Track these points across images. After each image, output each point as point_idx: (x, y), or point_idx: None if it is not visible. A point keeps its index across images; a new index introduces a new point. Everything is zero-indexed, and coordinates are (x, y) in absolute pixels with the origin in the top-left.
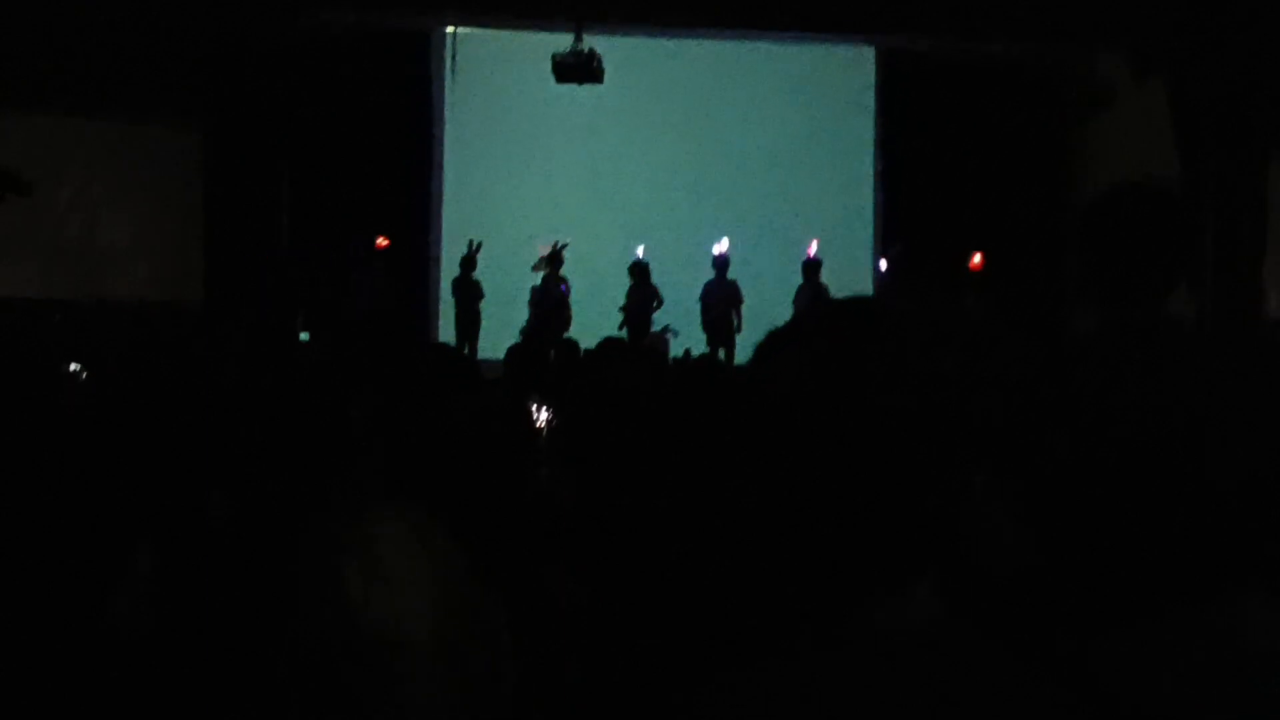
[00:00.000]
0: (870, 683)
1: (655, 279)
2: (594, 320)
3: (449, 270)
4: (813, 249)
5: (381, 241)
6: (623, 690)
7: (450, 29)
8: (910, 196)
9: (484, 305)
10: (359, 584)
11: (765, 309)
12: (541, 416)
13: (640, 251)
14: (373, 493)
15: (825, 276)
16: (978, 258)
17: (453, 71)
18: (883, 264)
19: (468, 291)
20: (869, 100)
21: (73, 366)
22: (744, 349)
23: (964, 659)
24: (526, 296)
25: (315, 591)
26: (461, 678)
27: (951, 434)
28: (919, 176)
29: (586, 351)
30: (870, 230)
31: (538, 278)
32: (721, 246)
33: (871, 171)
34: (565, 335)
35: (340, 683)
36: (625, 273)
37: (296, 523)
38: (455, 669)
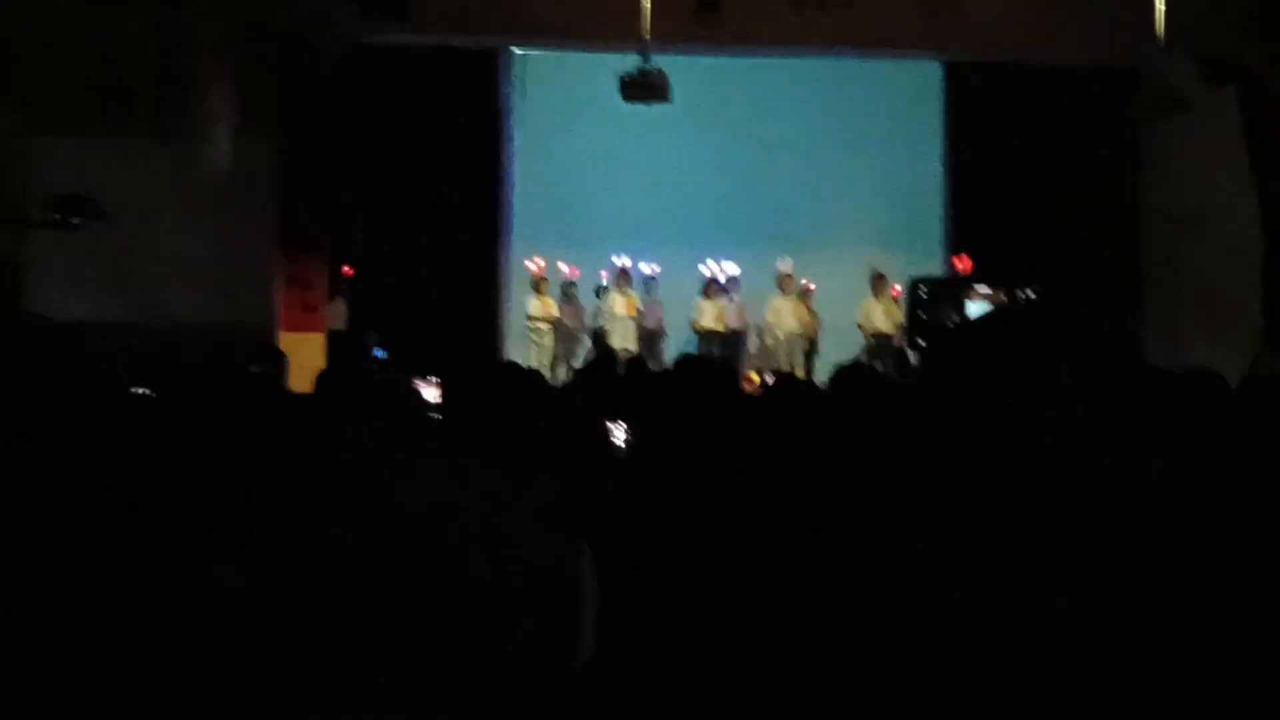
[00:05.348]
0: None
1: None
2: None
3: (519, 290)
4: (880, 266)
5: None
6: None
7: (518, 50)
8: (979, 208)
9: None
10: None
11: (835, 323)
12: (618, 434)
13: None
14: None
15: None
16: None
17: (521, 92)
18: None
19: None
20: (936, 111)
21: (139, 390)
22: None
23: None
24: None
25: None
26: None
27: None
28: (988, 188)
29: (665, 369)
30: (940, 243)
31: (604, 296)
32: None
33: (940, 183)
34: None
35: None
36: (698, 290)
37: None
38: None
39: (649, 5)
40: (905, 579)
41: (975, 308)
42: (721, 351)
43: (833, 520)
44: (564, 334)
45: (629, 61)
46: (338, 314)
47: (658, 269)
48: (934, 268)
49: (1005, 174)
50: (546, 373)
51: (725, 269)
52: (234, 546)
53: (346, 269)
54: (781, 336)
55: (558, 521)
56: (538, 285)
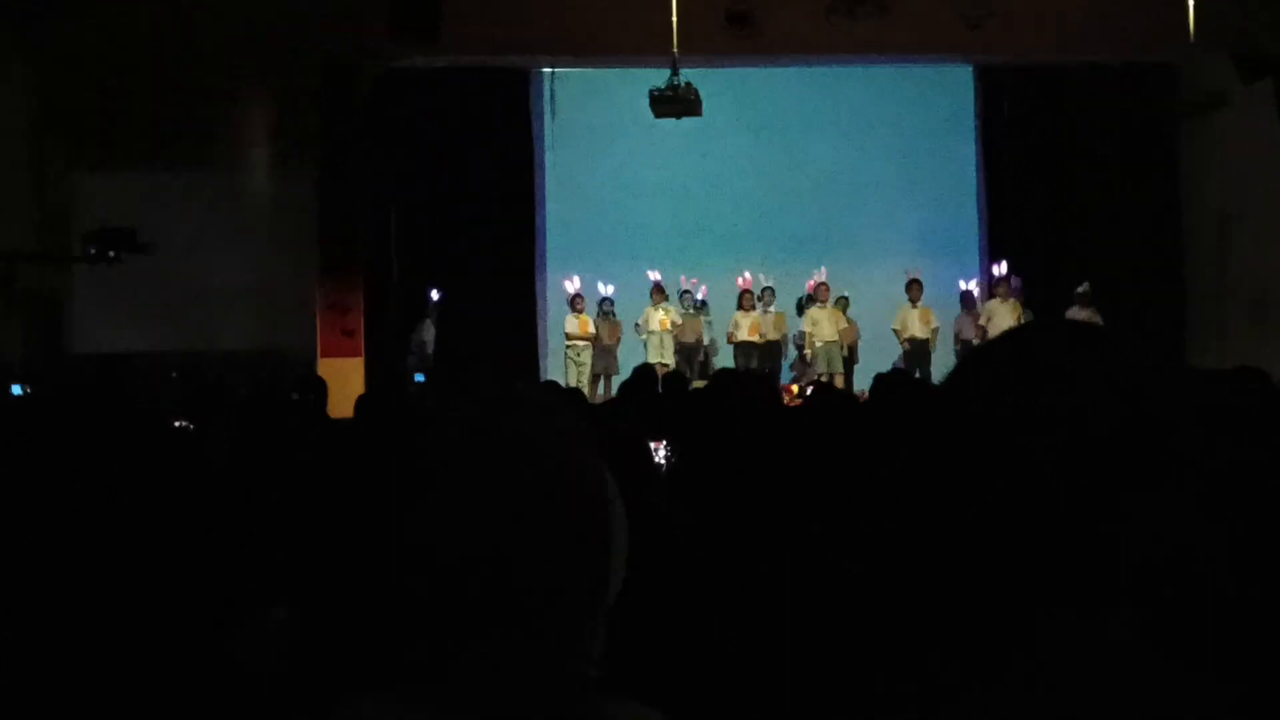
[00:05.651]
0: (1045, 704)
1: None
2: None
3: (556, 309)
4: (916, 274)
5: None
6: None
7: (548, 69)
8: (1016, 213)
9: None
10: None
11: (871, 333)
12: (659, 452)
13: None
14: None
15: (933, 297)
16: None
17: (552, 111)
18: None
19: None
20: (969, 115)
21: (179, 423)
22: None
23: (1149, 683)
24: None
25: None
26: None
27: (1153, 462)
28: (1024, 191)
29: (702, 385)
30: (976, 248)
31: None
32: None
33: (975, 188)
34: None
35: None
36: (733, 303)
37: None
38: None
39: (678, 19)
40: (1036, 677)
41: None
42: (759, 363)
43: (871, 530)
44: (602, 351)
45: (659, 76)
46: (427, 336)
47: (695, 283)
48: (971, 273)
49: (1042, 176)
50: (585, 390)
51: (761, 279)
52: (236, 546)
53: (435, 292)
54: (820, 346)
55: (582, 433)
56: (574, 303)
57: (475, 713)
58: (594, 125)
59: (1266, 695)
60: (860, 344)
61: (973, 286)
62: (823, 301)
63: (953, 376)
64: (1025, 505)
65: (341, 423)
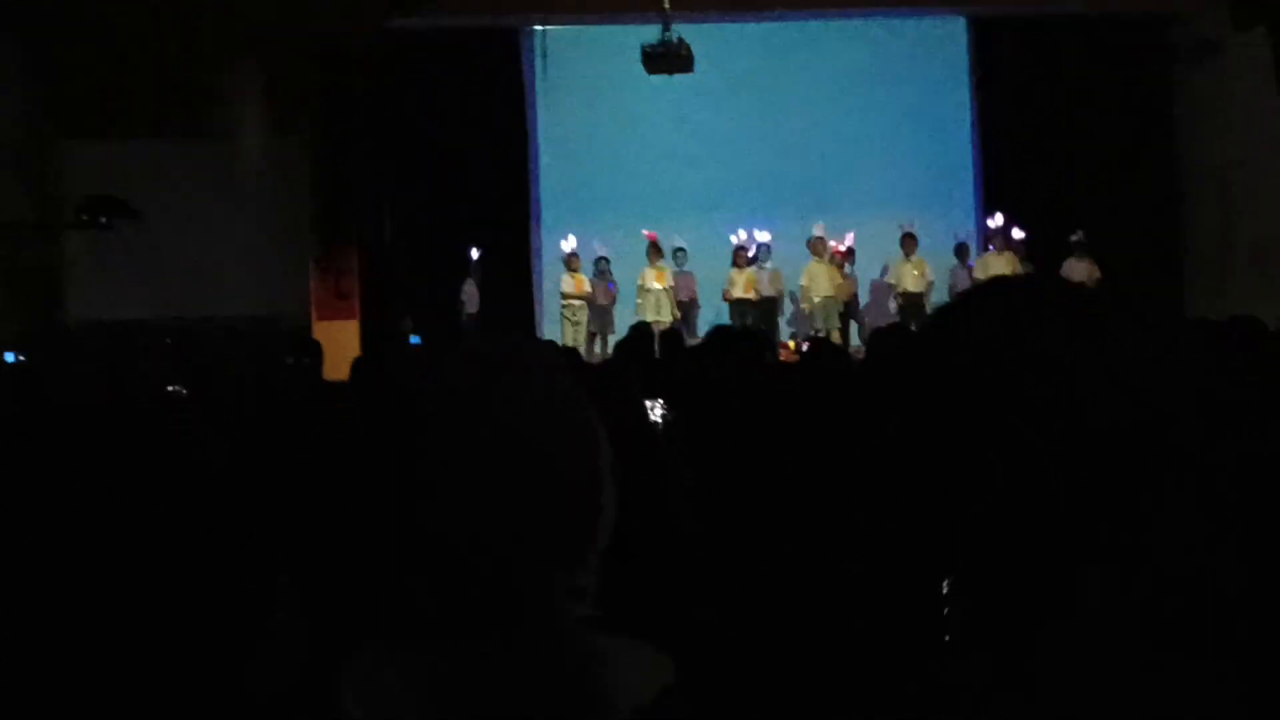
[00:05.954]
0: (1046, 703)
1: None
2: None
3: (550, 268)
4: (910, 227)
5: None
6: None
7: (539, 26)
8: (1011, 165)
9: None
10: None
11: (866, 288)
12: (656, 410)
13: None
14: None
15: (929, 251)
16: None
17: (544, 69)
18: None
19: None
20: (962, 68)
21: (171, 388)
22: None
23: (1151, 683)
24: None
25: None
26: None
27: (1148, 449)
28: (1019, 144)
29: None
30: (972, 201)
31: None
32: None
33: (970, 141)
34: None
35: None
36: (728, 261)
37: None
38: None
39: None
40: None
41: None
42: (756, 321)
43: (871, 529)
44: (598, 310)
45: (651, 33)
46: (470, 297)
47: (683, 241)
48: (968, 225)
49: (1036, 127)
50: (582, 349)
51: (756, 236)
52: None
53: (475, 250)
54: (817, 301)
55: (574, 388)
56: (570, 262)
57: (472, 652)
58: (586, 83)
59: (1268, 695)
60: (858, 299)
61: (968, 239)
62: (819, 256)
63: (936, 337)
64: (1025, 504)
65: (337, 385)
